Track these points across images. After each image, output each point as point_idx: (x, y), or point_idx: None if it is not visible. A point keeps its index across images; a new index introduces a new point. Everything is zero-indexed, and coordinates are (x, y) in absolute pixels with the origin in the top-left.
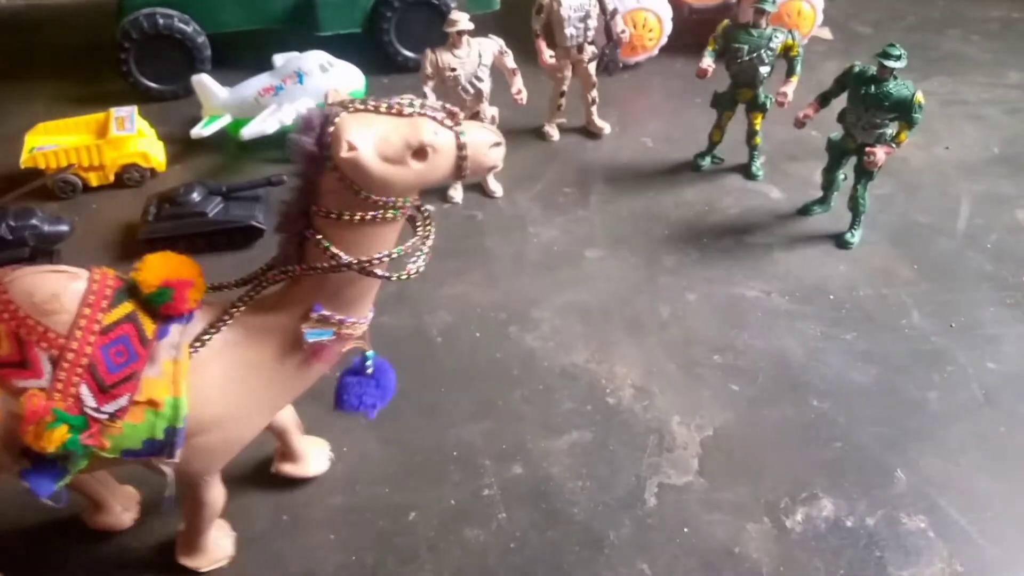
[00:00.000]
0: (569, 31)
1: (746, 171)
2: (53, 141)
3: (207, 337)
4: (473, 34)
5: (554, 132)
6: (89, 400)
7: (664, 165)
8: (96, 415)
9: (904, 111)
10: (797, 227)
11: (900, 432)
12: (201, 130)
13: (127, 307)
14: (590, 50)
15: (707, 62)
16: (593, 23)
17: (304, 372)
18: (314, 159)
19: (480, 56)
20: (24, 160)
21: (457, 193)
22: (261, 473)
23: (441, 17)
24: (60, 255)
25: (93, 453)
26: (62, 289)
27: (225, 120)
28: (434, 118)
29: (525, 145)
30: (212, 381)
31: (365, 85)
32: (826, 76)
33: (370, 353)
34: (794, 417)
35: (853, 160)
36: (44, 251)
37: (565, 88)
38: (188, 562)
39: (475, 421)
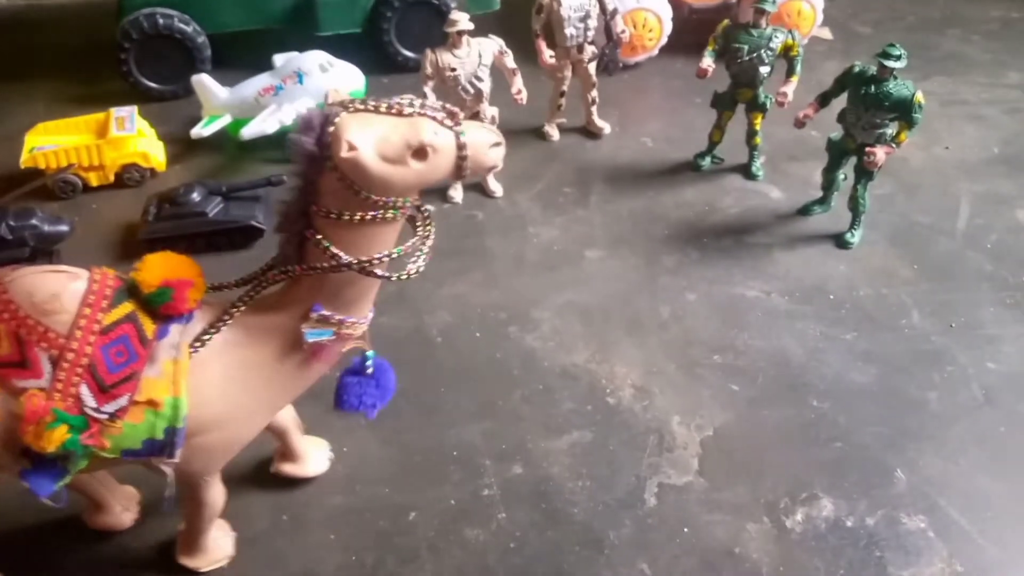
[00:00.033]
0: (569, 31)
1: (746, 171)
2: (53, 141)
3: (207, 337)
4: (473, 34)
5: (554, 132)
6: (89, 400)
7: (664, 165)
8: (96, 415)
9: (904, 111)
10: (797, 227)
11: (900, 432)
12: (201, 130)
13: (127, 307)
14: (590, 50)
15: (707, 62)
16: (593, 23)
17: (304, 372)
18: (314, 159)
19: (480, 56)
20: (24, 160)
21: (457, 193)
22: (261, 473)
23: (441, 17)
24: (60, 255)
25: (93, 453)
26: (62, 289)
27: (225, 120)
28: (434, 118)
29: (525, 145)
30: (212, 381)
31: (365, 85)
32: (826, 76)
33: (370, 353)
34: (794, 417)
35: (853, 160)
36: (44, 251)
37: (565, 88)
38: (188, 562)
39: (475, 421)
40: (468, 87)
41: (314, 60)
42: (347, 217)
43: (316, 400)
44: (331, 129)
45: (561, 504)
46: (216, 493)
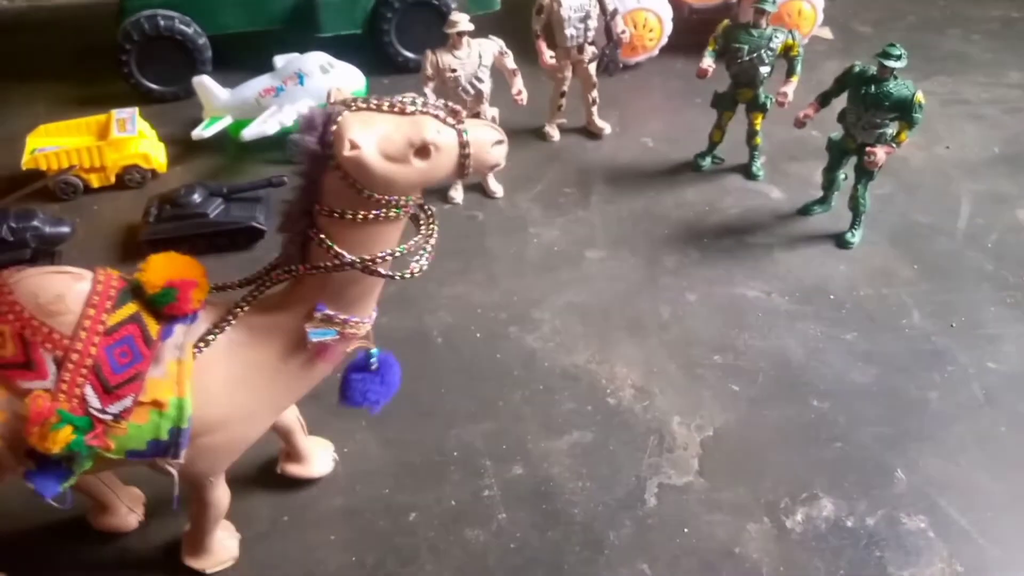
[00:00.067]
0: (569, 31)
1: (746, 171)
2: (54, 143)
3: (211, 337)
4: (473, 35)
5: (554, 132)
6: (94, 401)
7: (664, 165)
8: (101, 416)
9: (904, 111)
10: (797, 227)
11: (900, 432)
12: (202, 131)
13: (131, 308)
14: (590, 50)
15: (707, 62)
16: (593, 23)
17: (308, 372)
18: (317, 158)
19: (480, 57)
20: (25, 161)
21: (458, 193)
22: (261, 473)
23: (441, 18)
24: (61, 256)
25: (98, 454)
26: (67, 290)
27: (226, 121)
28: (436, 116)
29: (525, 146)
30: (216, 381)
31: (366, 86)
32: (826, 76)
33: (374, 350)
34: (794, 417)
35: (853, 160)
36: (45, 252)
37: (565, 88)
38: (193, 563)
39: (475, 422)
40: (468, 88)
41: (315, 61)
42: (350, 216)
43: (316, 400)
44: (334, 128)
45: (561, 504)
46: (221, 494)
